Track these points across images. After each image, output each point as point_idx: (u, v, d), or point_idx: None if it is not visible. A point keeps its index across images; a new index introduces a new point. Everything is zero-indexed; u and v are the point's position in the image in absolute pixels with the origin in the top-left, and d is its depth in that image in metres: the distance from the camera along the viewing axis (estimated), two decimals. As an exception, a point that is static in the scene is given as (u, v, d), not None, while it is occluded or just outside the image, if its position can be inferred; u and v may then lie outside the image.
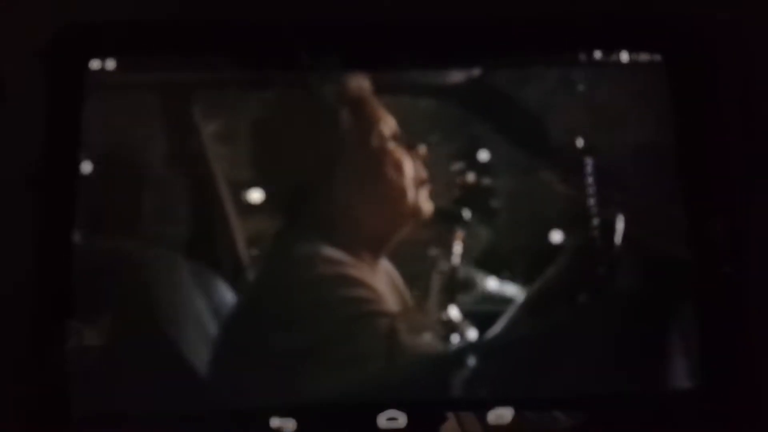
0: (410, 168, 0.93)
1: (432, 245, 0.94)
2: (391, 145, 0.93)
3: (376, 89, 0.94)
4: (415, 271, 0.94)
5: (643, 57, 0.97)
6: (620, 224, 0.94)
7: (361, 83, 0.94)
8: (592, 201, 0.96)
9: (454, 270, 0.93)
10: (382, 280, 0.95)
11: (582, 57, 0.97)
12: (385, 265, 0.96)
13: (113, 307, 0.91)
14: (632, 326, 0.92)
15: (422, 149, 0.94)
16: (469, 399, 0.88)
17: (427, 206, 0.94)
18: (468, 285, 0.93)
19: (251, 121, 0.94)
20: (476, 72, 0.97)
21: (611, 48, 0.98)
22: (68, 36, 0.93)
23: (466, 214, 0.95)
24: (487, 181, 0.96)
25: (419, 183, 0.94)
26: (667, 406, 0.90)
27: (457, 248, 0.94)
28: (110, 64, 0.93)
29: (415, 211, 0.93)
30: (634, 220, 0.95)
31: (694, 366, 0.90)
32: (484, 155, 0.96)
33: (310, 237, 0.91)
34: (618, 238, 0.94)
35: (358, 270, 0.91)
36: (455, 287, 0.93)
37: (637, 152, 0.97)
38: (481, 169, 0.96)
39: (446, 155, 0.95)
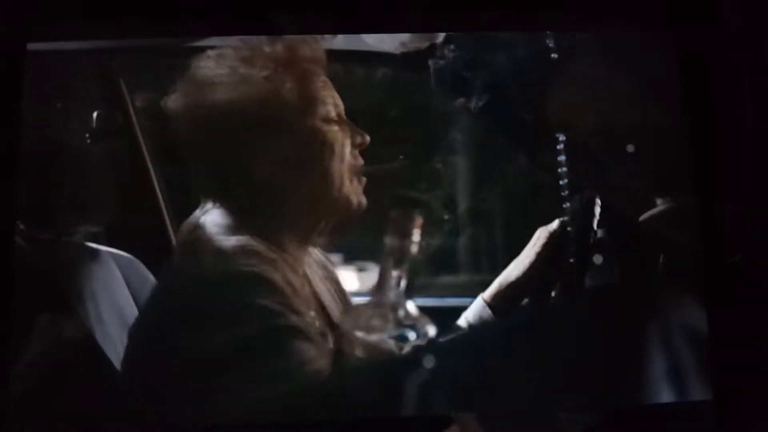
0: (349, 156, 0.84)
1: (388, 233, 0.84)
2: (334, 128, 0.83)
3: (330, 58, 0.84)
4: (367, 262, 0.84)
5: (651, 32, 0.87)
6: (614, 210, 0.85)
7: (315, 54, 0.84)
8: (574, 184, 0.85)
9: (412, 261, 0.83)
10: (313, 273, 0.86)
11: (573, 26, 0.87)
12: (316, 255, 0.87)
13: (49, 305, 0.82)
14: (627, 322, 0.81)
15: (365, 137, 0.84)
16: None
17: (362, 200, 0.84)
18: (427, 277, 0.83)
19: (176, 94, 0.83)
20: (440, 38, 0.87)
21: (612, 19, 0.88)
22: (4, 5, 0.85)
23: (427, 198, 0.85)
24: (452, 161, 0.86)
25: (356, 172, 0.84)
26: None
27: (416, 236, 0.84)
28: (49, 33, 0.85)
29: (348, 202, 0.84)
30: (632, 206, 0.85)
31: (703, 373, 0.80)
32: (449, 132, 0.87)
33: (232, 223, 0.81)
34: (608, 225, 0.85)
35: (280, 267, 0.80)
36: (413, 280, 0.83)
37: (632, 133, 0.88)
38: (446, 148, 0.86)
39: (405, 132, 0.86)
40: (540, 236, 0.84)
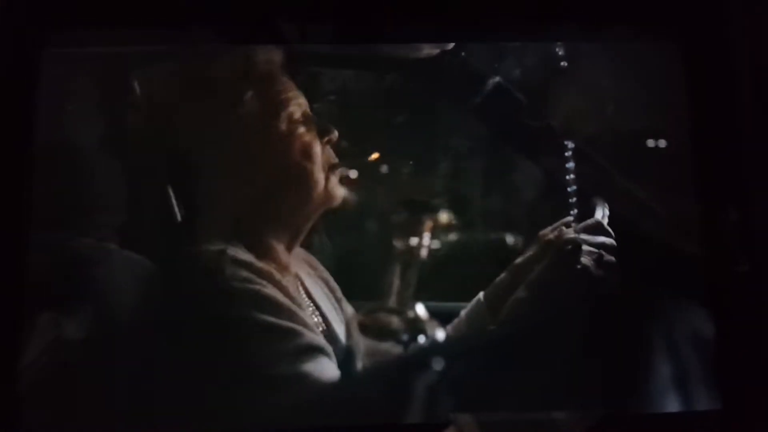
0: (320, 153, 0.83)
1: (397, 237, 0.84)
2: (301, 129, 0.83)
3: (336, 62, 0.85)
4: (376, 265, 0.84)
5: (655, 39, 0.87)
6: (620, 217, 0.84)
7: (271, 57, 0.83)
8: (580, 190, 0.85)
9: (421, 264, 0.84)
10: (304, 273, 0.86)
11: (577, 34, 0.88)
12: (301, 254, 0.87)
13: (58, 305, 0.82)
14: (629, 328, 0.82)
15: (333, 132, 0.84)
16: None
17: (338, 192, 0.84)
18: (435, 281, 0.84)
19: (140, 110, 0.85)
20: (449, 46, 0.87)
21: (616, 26, 0.88)
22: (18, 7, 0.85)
23: (436, 202, 0.85)
24: (460, 166, 0.87)
25: (330, 168, 0.84)
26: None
27: (425, 240, 0.84)
28: (62, 37, 0.86)
29: (327, 198, 0.84)
30: (636, 213, 0.86)
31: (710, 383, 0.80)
32: (457, 138, 0.87)
33: (213, 233, 0.80)
34: (613, 231, 0.84)
35: (275, 278, 0.79)
36: (422, 283, 0.83)
37: (637, 140, 0.88)
38: (454, 153, 0.87)
39: (413, 137, 0.86)
40: (537, 240, 0.84)
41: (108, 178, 0.86)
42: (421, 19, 0.84)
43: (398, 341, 0.82)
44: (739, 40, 0.84)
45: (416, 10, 0.83)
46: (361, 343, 0.83)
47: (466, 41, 0.88)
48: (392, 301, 0.83)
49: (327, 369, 0.77)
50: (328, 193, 0.83)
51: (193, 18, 0.84)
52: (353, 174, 0.87)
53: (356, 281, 0.88)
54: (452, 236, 0.86)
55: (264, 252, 0.81)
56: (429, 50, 0.87)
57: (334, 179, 0.84)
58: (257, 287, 0.77)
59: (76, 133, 0.88)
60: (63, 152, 0.85)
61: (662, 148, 0.88)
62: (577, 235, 0.83)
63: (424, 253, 0.84)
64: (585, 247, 0.81)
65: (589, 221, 0.84)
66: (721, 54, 0.84)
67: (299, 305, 0.80)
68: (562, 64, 0.89)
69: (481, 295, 0.84)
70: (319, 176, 0.83)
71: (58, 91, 0.85)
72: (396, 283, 0.83)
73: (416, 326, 0.82)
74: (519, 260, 0.84)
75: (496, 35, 0.87)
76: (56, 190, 0.84)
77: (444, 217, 0.86)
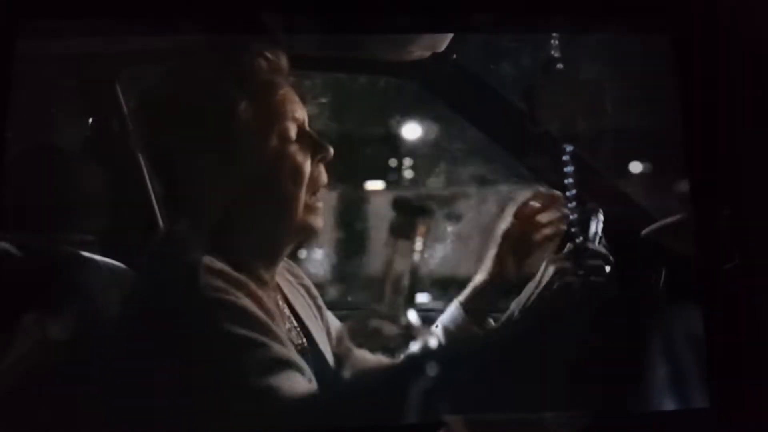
0: (308, 174, 0.77)
1: (389, 241, 0.82)
2: (293, 148, 0.77)
3: (329, 65, 0.83)
4: (368, 271, 0.82)
5: (646, 36, 0.85)
6: (615, 220, 0.83)
7: (277, 61, 0.77)
8: (576, 194, 0.83)
9: (414, 269, 0.81)
10: (284, 282, 0.83)
11: (573, 32, 0.86)
12: (284, 262, 0.83)
13: (36, 312, 0.79)
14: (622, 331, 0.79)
15: (329, 150, 0.78)
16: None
17: (316, 224, 0.78)
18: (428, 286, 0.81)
19: (134, 113, 0.82)
20: (443, 46, 0.86)
21: (608, 23, 0.87)
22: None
23: (431, 206, 0.83)
24: (454, 171, 0.85)
25: (317, 189, 0.79)
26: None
27: (419, 244, 0.81)
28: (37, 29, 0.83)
29: (304, 227, 0.78)
30: (629, 214, 0.84)
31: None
32: (452, 141, 0.85)
33: (193, 243, 0.76)
34: (604, 234, 0.82)
35: (252, 289, 0.75)
36: (415, 289, 0.80)
37: (633, 141, 0.87)
38: (449, 156, 0.85)
39: (408, 140, 0.85)
40: (495, 238, 0.83)
41: (88, 182, 0.84)
42: (411, 11, 0.81)
43: (389, 348, 0.79)
44: (731, 36, 0.83)
45: (407, 2, 0.80)
46: (350, 352, 0.80)
47: (451, 32, 0.86)
48: (384, 308, 0.80)
49: (298, 383, 0.73)
50: (306, 223, 0.78)
51: (175, 9, 0.81)
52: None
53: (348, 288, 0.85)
54: (447, 240, 0.84)
55: (243, 265, 0.76)
56: (421, 52, 0.86)
57: (317, 207, 0.79)
58: (231, 298, 0.73)
59: (55, 134, 0.86)
60: (40, 154, 0.83)
61: (653, 146, 0.86)
62: (565, 263, 0.81)
63: (417, 257, 0.81)
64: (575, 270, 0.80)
65: (578, 244, 0.81)
66: (713, 49, 0.82)
67: (273, 318, 0.75)
68: (553, 62, 0.87)
69: (456, 300, 0.83)
70: (301, 203, 0.77)
71: (33, 88, 0.83)
72: (388, 288, 0.80)
73: (409, 331, 0.79)
74: (491, 261, 0.82)
75: (485, 28, 0.85)
76: (32, 193, 0.82)
77: (439, 221, 0.84)
